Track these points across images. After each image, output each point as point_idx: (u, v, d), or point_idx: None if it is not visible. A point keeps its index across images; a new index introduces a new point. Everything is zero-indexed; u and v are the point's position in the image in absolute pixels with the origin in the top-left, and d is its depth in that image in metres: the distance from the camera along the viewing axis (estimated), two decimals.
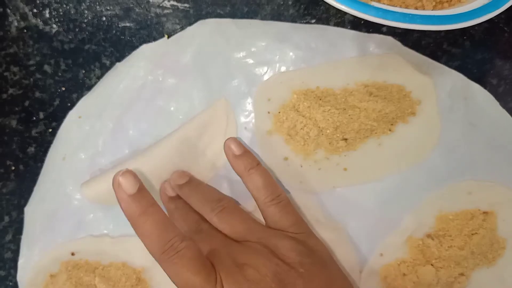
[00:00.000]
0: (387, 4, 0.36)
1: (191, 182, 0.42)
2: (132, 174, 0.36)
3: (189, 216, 0.41)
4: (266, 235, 0.38)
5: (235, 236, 0.39)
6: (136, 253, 0.44)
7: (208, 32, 0.43)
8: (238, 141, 0.41)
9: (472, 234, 0.42)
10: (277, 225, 0.39)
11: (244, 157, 0.41)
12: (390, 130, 0.42)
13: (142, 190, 0.36)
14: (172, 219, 0.41)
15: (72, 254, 0.44)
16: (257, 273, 0.35)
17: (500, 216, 0.42)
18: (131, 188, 0.36)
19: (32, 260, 0.45)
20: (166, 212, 0.39)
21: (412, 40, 0.43)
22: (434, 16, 0.35)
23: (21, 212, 0.46)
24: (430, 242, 0.42)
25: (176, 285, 0.35)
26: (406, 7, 0.37)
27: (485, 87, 0.43)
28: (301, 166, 0.43)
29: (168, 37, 0.44)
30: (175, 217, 0.42)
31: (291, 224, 0.39)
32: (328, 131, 0.42)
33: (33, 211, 0.45)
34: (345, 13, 0.43)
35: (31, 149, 0.46)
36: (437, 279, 0.42)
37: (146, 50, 0.44)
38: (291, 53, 0.43)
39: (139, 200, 0.36)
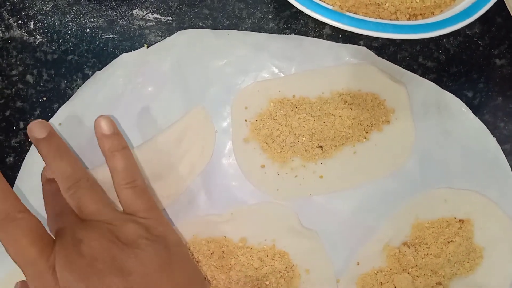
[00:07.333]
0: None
1: (51, 140, 0.40)
2: None
3: (57, 198, 0.41)
4: (113, 217, 0.38)
5: (84, 216, 0.38)
6: None
7: (187, 41, 0.44)
8: (110, 120, 0.41)
9: (448, 242, 0.42)
10: (129, 208, 0.39)
11: (112, 138, 0.40)
12: (365, 138, 0.43)
13: None
14: (46, 201, 0.42)
15: None
16: (90, 248, 0.36)
17: (477, 225, 0.42)
18: None
19: None
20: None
21: (389, 53, 0.45)
22: (406, 25, 0.37)
23: None
24: (407, 250, 0.41)
25: (10, 255, 0.36)
26: (381, 19, 0.38)
27: (460, 100, 0.44)
28: (278, 174, 0.43)
29: (148, 47, 0.45)
30: (48, 200, 0.42)
31: (142, 209, 0.39)
32: (304, 138, 0.42)
33: None
34: (323, 27, 0.45)
35: (10, 159, 0.45)
36: None
37: (125, 58, 0.45)
38: (268, 63, 0.44)
39: None
